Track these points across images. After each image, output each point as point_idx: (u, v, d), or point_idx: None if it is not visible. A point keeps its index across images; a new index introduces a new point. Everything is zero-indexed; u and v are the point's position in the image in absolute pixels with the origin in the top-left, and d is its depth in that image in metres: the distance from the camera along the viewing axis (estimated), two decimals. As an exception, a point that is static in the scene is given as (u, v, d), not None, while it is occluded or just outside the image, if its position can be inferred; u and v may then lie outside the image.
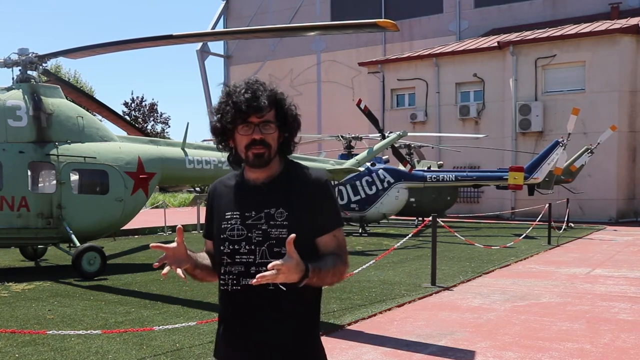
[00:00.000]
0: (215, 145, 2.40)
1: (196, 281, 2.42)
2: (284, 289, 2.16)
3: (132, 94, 61.18)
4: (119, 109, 49.25)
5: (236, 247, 2.24)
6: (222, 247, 2.28)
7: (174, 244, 2.20)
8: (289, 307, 2.20)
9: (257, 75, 2.32)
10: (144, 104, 50.00)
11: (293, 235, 2.02)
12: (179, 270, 2.17)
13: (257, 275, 1.98)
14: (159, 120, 50.66)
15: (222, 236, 2.28)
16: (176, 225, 2.38)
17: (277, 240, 2.18)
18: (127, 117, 46.90)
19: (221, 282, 2.28)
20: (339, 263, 2.23)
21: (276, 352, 2.21)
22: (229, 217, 2.28)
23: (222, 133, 2.28)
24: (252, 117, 2.19)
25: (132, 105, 49.68)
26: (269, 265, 1.97)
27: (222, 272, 2.28)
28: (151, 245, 2.23)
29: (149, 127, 49.26)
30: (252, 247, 2.21)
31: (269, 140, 2.23)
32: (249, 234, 2.22)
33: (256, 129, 2.21)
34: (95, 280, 9.64)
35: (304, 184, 2.28)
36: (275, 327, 2.20)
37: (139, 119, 48.93)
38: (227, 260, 2.25)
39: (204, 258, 2.40)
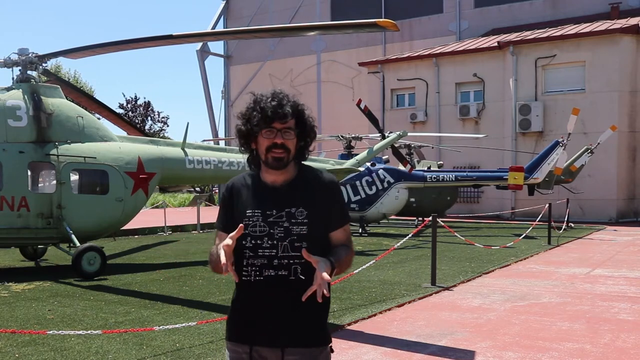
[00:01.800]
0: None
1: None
2: (303, 278, 2.43)
3: (124, 95, 61.03)
4: (115, 111, 49.12)
5: (259, 242, 2.48)
6: (244, 242, 2.49)
7: (229, 242, 2.35)
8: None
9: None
10: (138, 103, 49.93)
11: (304, 249, 2.34)
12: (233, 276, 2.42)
13: (320, 296, 2.27)
14: (157, 120, 50.60)
15: (244, 231, 2.47)
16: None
17: (298, 236, 2.46)
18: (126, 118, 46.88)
19: (244, 273, 2.49)
20: (349, 252, 2.57)
21: (294, 335, 2.46)
22: (249, 214, 2.51)
23: (246, 135, 2.54)
24: (275, 122, 2.46)
25: (128, 106, 49.61)
26: (325, 277, 2.25)
27: (244, 264, 2.49)
28: (230, 271, 2.34)
29: (147, 126, 49.18)
30: (275, 242, 2.46)
31: (288, 145, 2.49)
32: (271, 230, 2.47)
33: (278, 134, 2.47)
34: (95, 280, 9.63)
35: (320, 186, 2.57)
36: (293, 314, 2.45)
37: (137, 119, 48.84)
38: (250, 254, 2.48)
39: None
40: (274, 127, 2.46)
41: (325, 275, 2.26)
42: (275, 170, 2.51)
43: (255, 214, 2.50)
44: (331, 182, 2.59)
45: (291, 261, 2.45)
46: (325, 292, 2.25)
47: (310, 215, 2.48)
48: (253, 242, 2.48)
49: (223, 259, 2.29)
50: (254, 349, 2.49)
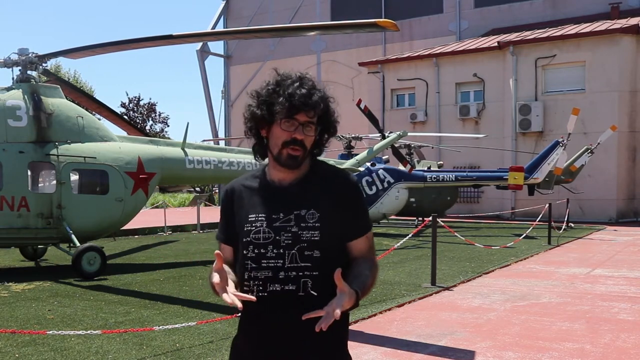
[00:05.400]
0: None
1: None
2: (315, 294, 2.06)
3: (127, 94, 60.56)
4: (117, 110, 49.12)
5: (262, 250, 2.10)
6: (245, 251, 2.14)
7: (217, 277, 1.98)
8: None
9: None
10: (141, 103, 49.86)
11: (339, 269, 1.92)
12: (237, 302, 1.95)
13: (318, 327, 1.87)
14: (158, 120, 50.55)
15: (245, 239, 2.14)
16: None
17: (309, 243, 2.07)
18: (126, 118, 46.82)
19: (245, 287, 2.12)
20: (374, 268, 2.17)
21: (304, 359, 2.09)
22: (252, 219, 2.14)
23: (259, 120, 2.15)
24: (300, 114, 2.10)
25: (130, 105, 49.55)
26: (336, 314, 1.85)
27: (246, 277, 2.12)
28: (224, 296, 1.98)
29: (148, 126, 49.15)
30: (281, 250, 2.07)
31: (307, 142, 2.14)
32: (277, 237, 2.09)
33: (299, 128, 2.11)
34: (95, 280, 9.64)
35: (335, 184, 2.17)
36: (304, 334, 2.04)
37: (138, 119, 48.79)
38: (252, 265, 2.10)
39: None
40: (296, 119, 2.09)
41: (338, 312, 1.86)
42: (289, 168, 2.14)
43: (259, 218, 2.12)
44: (350, 180, 2.19)
45: (300, 273, 2.04)
46: (324, 326, 1.87)
47: (323, 218, 2.08)
48: (256, 251, 2.09)
49: (227, 298, 1.93)
50: None
